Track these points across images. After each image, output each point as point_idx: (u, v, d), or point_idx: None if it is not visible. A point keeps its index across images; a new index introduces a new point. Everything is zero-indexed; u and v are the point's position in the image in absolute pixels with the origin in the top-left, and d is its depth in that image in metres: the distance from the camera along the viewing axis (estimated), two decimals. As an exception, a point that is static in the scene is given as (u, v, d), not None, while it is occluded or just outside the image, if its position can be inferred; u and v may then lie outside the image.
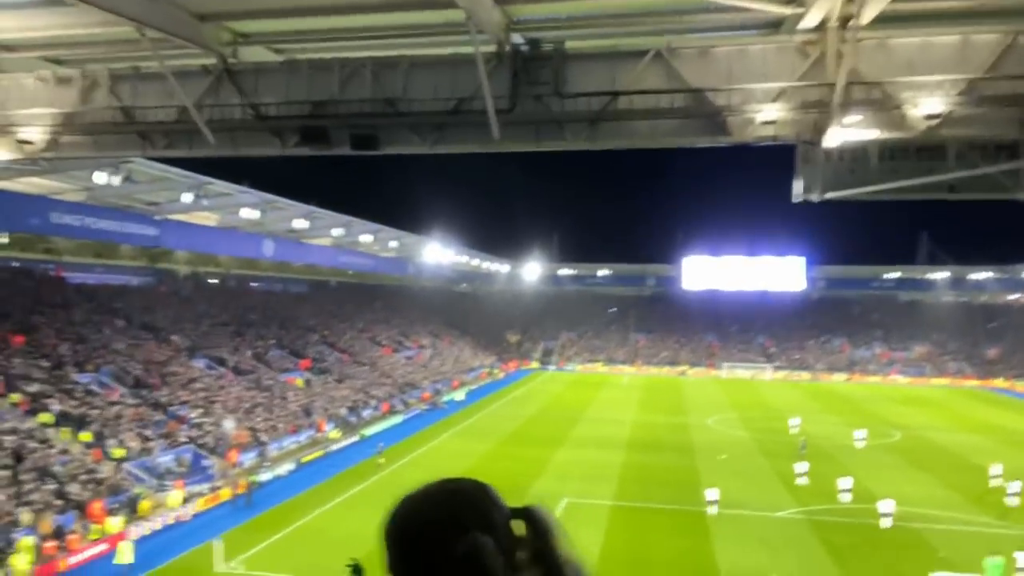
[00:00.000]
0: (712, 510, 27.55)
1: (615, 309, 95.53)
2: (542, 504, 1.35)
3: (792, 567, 22.63)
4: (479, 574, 1.19)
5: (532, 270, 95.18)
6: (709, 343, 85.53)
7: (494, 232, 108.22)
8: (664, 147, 13.75)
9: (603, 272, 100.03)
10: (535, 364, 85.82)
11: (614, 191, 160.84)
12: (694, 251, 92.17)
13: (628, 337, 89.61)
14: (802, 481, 31.58)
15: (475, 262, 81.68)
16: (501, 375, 76.49)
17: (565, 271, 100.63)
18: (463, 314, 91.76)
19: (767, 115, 12.14)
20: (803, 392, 65.56)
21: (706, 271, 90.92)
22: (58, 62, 15.34)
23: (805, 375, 76.25)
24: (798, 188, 12.73)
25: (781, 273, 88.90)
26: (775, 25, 13.04)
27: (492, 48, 12.90)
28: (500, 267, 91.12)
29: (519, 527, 1.28)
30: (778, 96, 12.27)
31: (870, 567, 22.77)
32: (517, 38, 12.99)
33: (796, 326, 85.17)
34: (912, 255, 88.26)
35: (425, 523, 1.24)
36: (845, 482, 29.32)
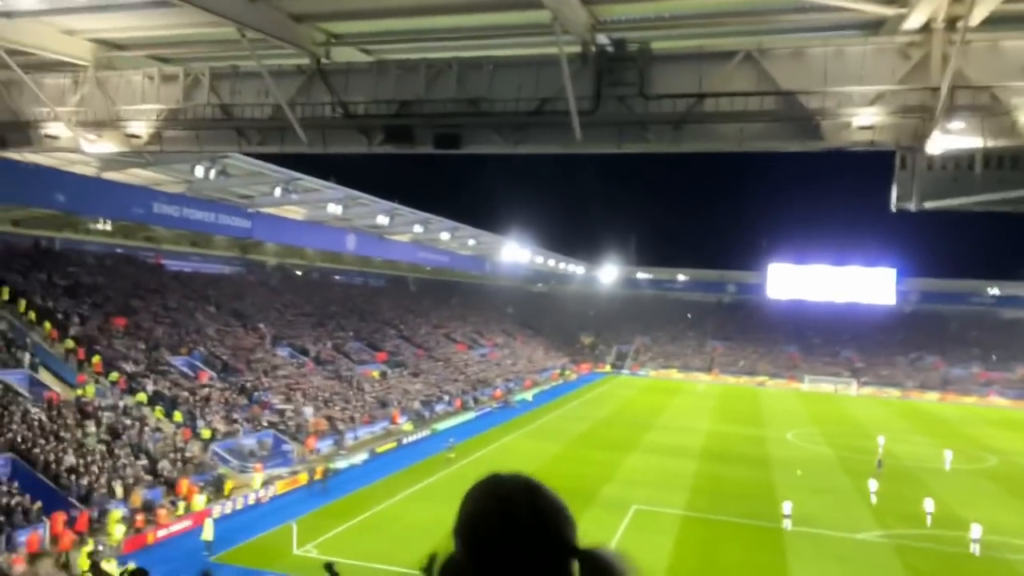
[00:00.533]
0: (786, 524, 26.68)
1: (692, 316, 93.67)
2: (608, 548, 1.26)
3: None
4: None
5: (609, 272, 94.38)
6: (790, 354, 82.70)
7: (572, 233, 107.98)
8: (752, 151, 13.35)
9: (682, 277, 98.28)
10: (608, 368, 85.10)
11: (695, 195, 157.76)
12: (778, 258, 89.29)
13: (705, 344, 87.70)
14: (874, 500, 30.36)
15: (551, 262, 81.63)
16: (573, 377, 76.21)
17: (643, 275, 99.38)
18: (538, 314, 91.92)
19: (864, 120, 11.61)
20: (891, 410, 62.52)
21: (791, 280, 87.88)
22: (164, 60, 16.23)
23: (894, 392, 72.67)
24: (895, 196, 12.11)
25: (870, 285, 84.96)
26: (875, 26, 12.47)
27: (576, 49, 12.85)
28: (576, 268, 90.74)
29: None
30: (876, 100, 11.72)
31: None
32: (602, 38, 12.89)
33: (885, 341, 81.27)
34: (1016, 270, 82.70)
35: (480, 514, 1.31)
36: (929, 505, 27.88)
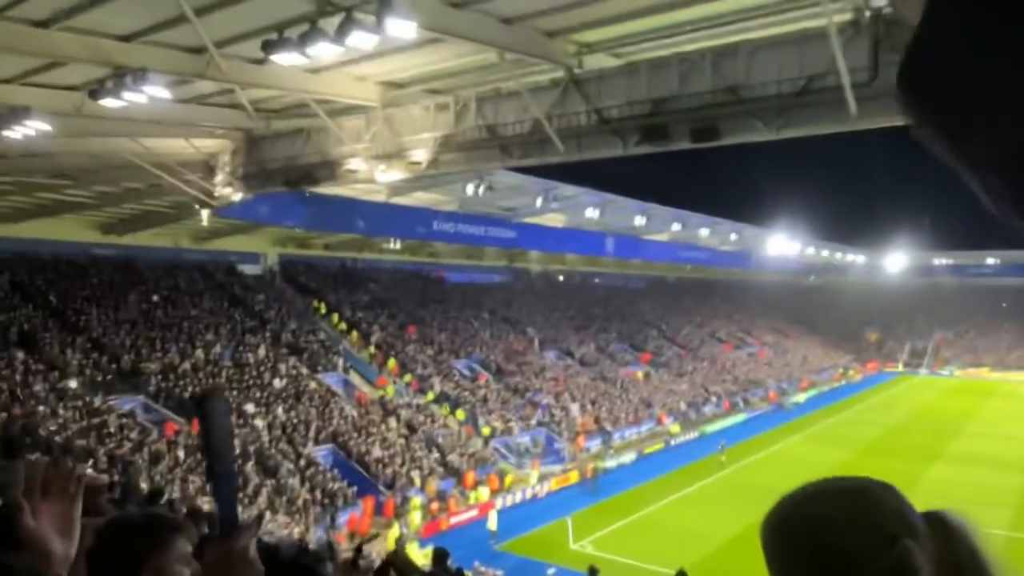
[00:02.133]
0: None
1: (1008, 304, 79.83)
2: (953, 510, 1.11)
3: None
4: None
5: (896, 260, 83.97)
6: None
7: (850, 219, 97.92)
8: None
9: (992, 260, 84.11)
10: (900, 367, 75.93)
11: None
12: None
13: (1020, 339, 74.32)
14: None
15: (825, 252, 74.97)
16: (858, 377, 69.21)
17: (940, 260, 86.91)
18: (812, 309, 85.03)
19: None
20: None
21: None
22: (437, 92, 17.89)
23: None
24: None
25: None
26: None
27: (847, 16, 11.66)
28: (856, 257, 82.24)
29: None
30: None
31: None
32: (879, 1, 11.55)
33: None
34: None
35: (841, 529, 1.02)
36: None
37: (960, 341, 77.73)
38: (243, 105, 17.65)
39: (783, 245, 61.31)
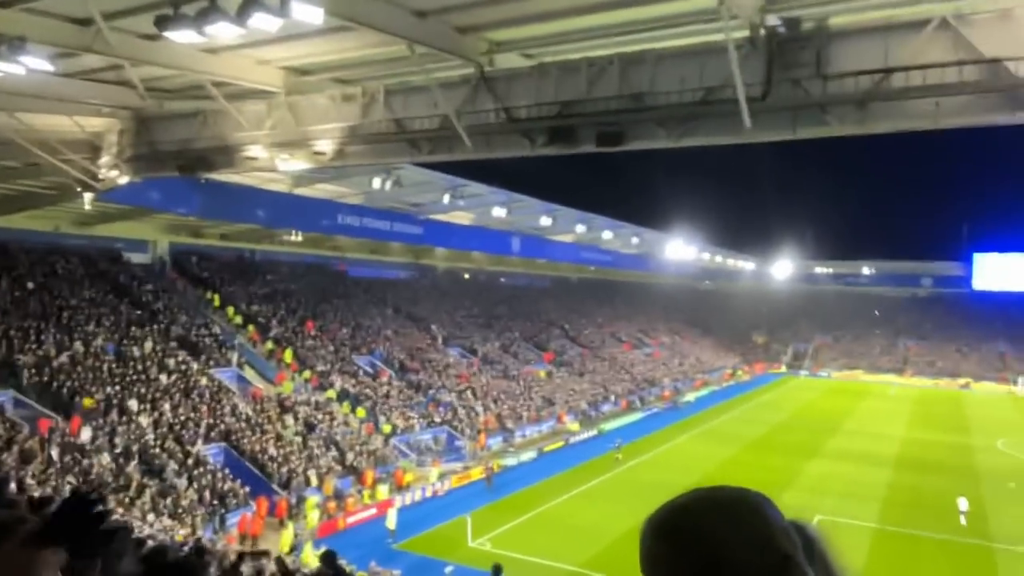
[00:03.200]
0: (962, 521, 26.06)
1: (880, 312, 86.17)
2: (809, 521, 1.20)
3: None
4: None
5: (783, 267, 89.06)
6: (1001, 353, 73.66)
7: (742, 227, 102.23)
8: (949, 128, 11.98)
9: (867, 270, 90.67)
10: (783, 368, 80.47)
11: (881, 180, 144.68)
12: (984, 247, 79.87)
13: (896, 343, 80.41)
14: None
15: (719, 259, 78.50)
16: (746, 378, 72.84)
17: (821, 269, 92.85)
18: (706, 312, 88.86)
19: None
20: None
21: (1001, 269, 78.24)
22: (344, 82, 17.46)
23: None
24: None
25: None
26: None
27: (745, 33, 12.21)
28: (746, 264, 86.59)
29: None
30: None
31: None
32: (772, 19, 12.15)
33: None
34: None
35: (734, 545, 1.05)
36: None
37: (838, 345, 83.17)
38: (133, 83, 16.64)
39: (681, 250, 63.73)
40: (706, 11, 11.93)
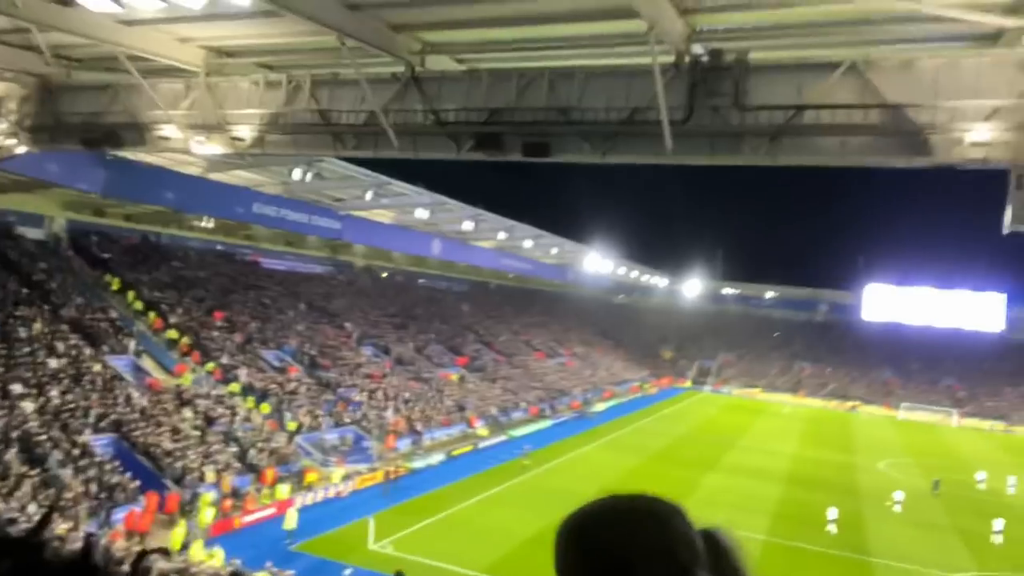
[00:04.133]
0: (831, 528, 27.82)
1: (779, 334, 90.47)
2: (722, 530, 1.28)
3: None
4: None
5: (693, 286, 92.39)
6: (886, 380, 78.61)
7: (656, 245, 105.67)
8: (851, 166, 12.77)
9: (770, 294, 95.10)
10: (689, 383, 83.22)
11: (786, 210, 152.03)
12: (876, 278, 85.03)
13: (792, 365, 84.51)
14: (999, 540, 28.46)
15: (634, 274, 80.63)
16: (653, 391, 74.91)
17: (729, 290, 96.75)
18: (618, 325, 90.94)
19: (978, 135, 10.91)
20: (995, 443, 58.41)
21: (889, 301, 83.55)
22: (269, 67, 16.99)
23: (999, 425, 67.88)
24: (1009, 218, 11.29)
25: (977, 310, 79.80)
26: (992, 38, 11.71)
27: (670, 58, 12.64)
28: (659, 281, 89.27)
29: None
30: (992, 115, 10.97)
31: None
32: (697, 48, 12.63)
33: (992, 371, 75.98)
34: None
35: (639, 554, 1.12)
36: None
37: (740, 363, 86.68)
38: (40, 48, 15.67)
39: (598, 263, 65.09)
40: (635, 34, 12.28)
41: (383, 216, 44.36)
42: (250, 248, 46.48)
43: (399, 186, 37.10)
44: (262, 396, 33.16)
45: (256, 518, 25.23)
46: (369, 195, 35.89)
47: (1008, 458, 49.97)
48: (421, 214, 40.43)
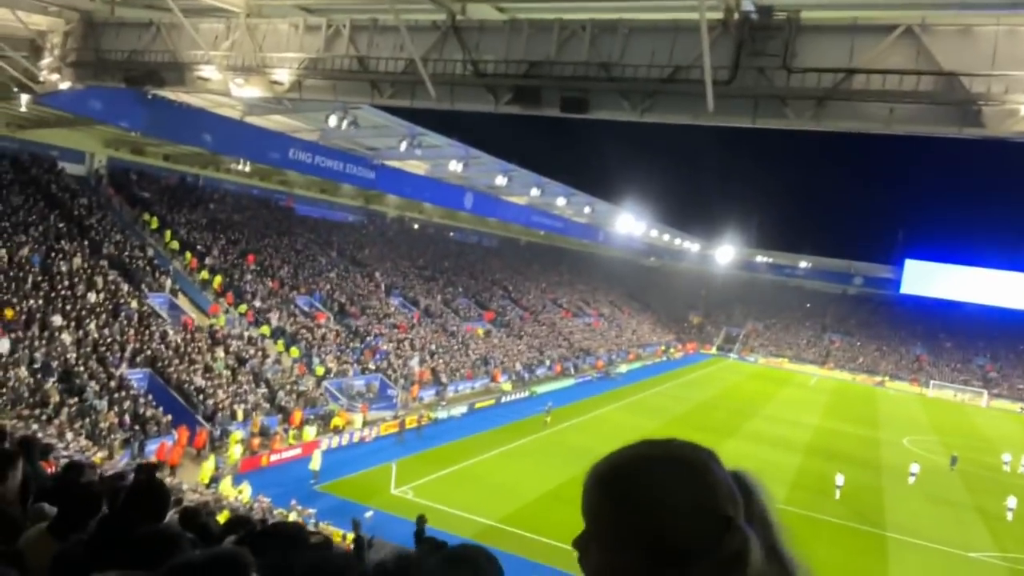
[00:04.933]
0: (836, 495, 28.45)
1: (811, 305, 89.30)
2: (747, 471, 1.20)
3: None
4: (741, 569, 1.04)
5: (725, 252, 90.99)
6: (917, 356, 77.52)
7: (690, 209, 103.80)
8: (900, 134, 12.37)
9: (804, 264, 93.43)
10: (714, 350, 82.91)
11: (827, 179, 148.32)
12: (917, 254, 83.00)
13: (822, 336, 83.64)
14: (1010, 517, 28.49)
15: (666, 237, 79.72)
16: (678, 355, 74.80)
17: (762, 258, 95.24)
18: (647, 288, 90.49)
19: (1031, 107, 10.50)
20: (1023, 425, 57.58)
21: (928, 277, 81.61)
22: (309, 10, 16.84)
23: (1031, 409, 66.68)
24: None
25: (1018, 290, 77.74)
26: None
27: (719, 15, 12.27)
28: (692, 245, 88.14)
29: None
30: (1049, 86, 10.54)
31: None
32: (747, 5, 12.23)
33: (1027, 352, 74.50)
34: None
35: (677, 507, 1.05)
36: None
37: (767, 332, 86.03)
38: (84, -17, 15.70)
39: (630, 224, 64.39)
40: (683, -12, 11.92)
41: (417, 168, 44.22)
42: (285, 193, 46.79)
43: (433, 137, 36.86)
44: (292, 340, 33.79)
45: (282, 458, 25.96)
46: (403, 145, 35.68)
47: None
48: (455, 167, 40.16)
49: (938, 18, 11.77)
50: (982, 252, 79.97)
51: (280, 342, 33.27)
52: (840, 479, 29.44)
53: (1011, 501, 29.19)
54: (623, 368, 58.70)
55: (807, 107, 12.34)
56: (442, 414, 34.99)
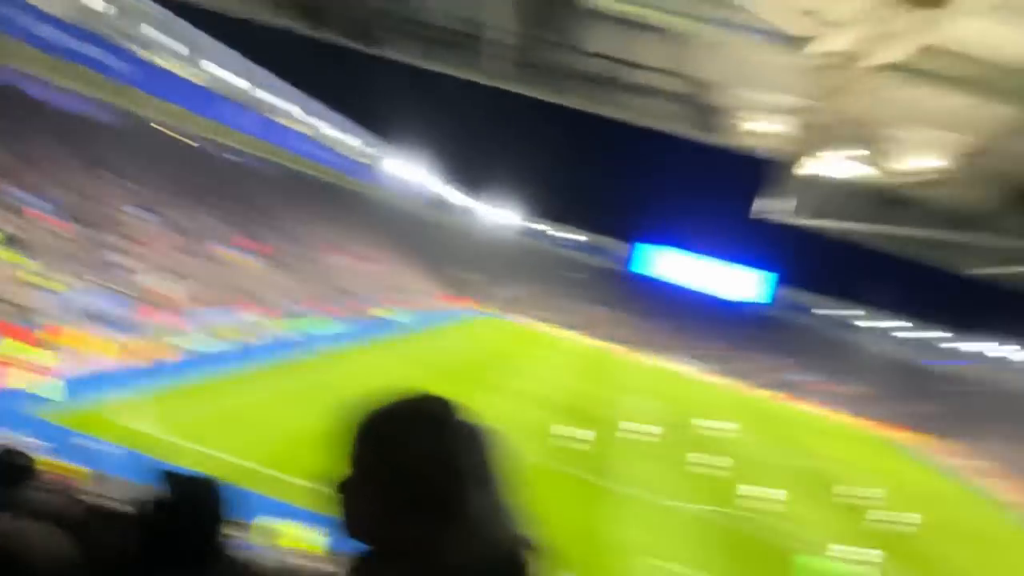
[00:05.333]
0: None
1: (578, 275, 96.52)
2: (488, 424, 1.48)
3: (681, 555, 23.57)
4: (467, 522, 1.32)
5: (509, 216, 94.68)
6: (665, 332, 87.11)
7: (472, 167, 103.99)
8: (649, 127, 13.59)
9: (581, 238, 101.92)
10: (484, 308, 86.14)
11: (610, 161, 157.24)
12: (647, 237, 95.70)
13: (583, 306, 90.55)
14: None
15: (444, 191, 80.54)
16: (446, 309, 76.61)
17: (537, 226, 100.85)
18: (427, 241, 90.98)
19: (757, 126, 12.10)
20: (734, 402, 67.28)
21: (656, 260, 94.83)
22: None
23: (741, 385, 77.89)
24: (759, 205, 12.78)
25: (739, 283, 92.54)
26: (793, 41, 12.86)
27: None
28: (470, 204, 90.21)
29: None
30: (774, 110, 12.21)
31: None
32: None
33: (755, 337, 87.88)
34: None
35: (423, 459, 1.31)
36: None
37: (535, 297, 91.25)
38: None
39: (406, 169, 64.01)
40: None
41: (192, 75, 40.05)
42: (13, 73, 39.68)
43: (214, 47, 33.63)
44: (12, 242, 29.28)
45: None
46: (180, 47, 32.17)
47: (744, 414, 58.05)
48: (234, 81, 37.11)
49: (697, 28, 12.99)
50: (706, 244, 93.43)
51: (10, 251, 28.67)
52: (579, 434, 32.48)
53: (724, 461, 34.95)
54: (397, 315, 58.89)
55: (578, 86, 13.09)
56: (195, 346, 32.64)
